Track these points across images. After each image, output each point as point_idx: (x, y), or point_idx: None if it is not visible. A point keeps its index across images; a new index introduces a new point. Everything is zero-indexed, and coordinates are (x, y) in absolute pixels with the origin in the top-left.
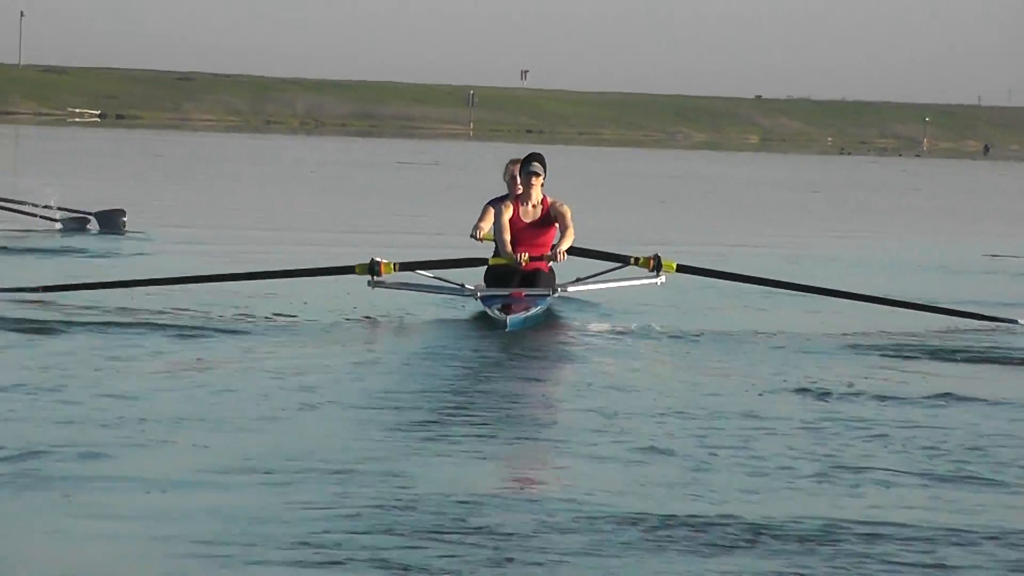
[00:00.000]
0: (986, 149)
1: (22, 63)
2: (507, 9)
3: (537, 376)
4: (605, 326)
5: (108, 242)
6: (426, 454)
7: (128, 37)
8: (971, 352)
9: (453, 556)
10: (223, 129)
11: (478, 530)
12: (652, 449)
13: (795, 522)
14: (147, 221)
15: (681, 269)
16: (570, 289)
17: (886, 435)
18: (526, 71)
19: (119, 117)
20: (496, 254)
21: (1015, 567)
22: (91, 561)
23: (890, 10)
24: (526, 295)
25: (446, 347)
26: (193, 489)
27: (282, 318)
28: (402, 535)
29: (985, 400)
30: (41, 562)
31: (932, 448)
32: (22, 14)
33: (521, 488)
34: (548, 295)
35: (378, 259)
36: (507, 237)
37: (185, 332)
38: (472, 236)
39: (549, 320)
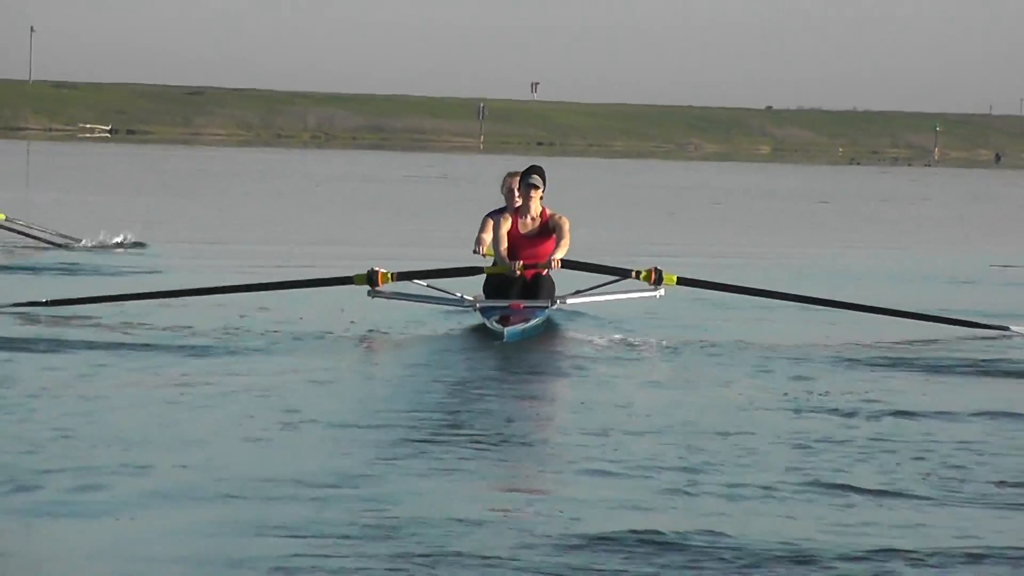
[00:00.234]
0: (997, 158)
1: (32, 79)
2: (517, 21)
3: (531, 392)
4: (603, 339)
5: (113, 257)
6: (409, 475)
7: (138, 52)
8: (970, 362)
9: None
10: (234, 143)
11: (457, 555)
12: (644, 469)
13: (790, 544)
14: (152, 236)
15: (681, 282)
16: (569, 301)
17: (888, 452)
18: (536, 83)
19: (130, 132)
20: (493, 264)
21: None
22: None
23: (901, 19)
24: (524, 307)
25: (441, 360)
26: (164, 511)
27: (278, 331)
28: (378, 560)
29: (976, 414)
30: None
31: (929, 467)
32: (32, 30)
33: (506, 511)
34: (547, 307)
35: (376, 269)
36: (504, 247)
37: (174, 347)
38: (475, 252)
39: (548, 332)
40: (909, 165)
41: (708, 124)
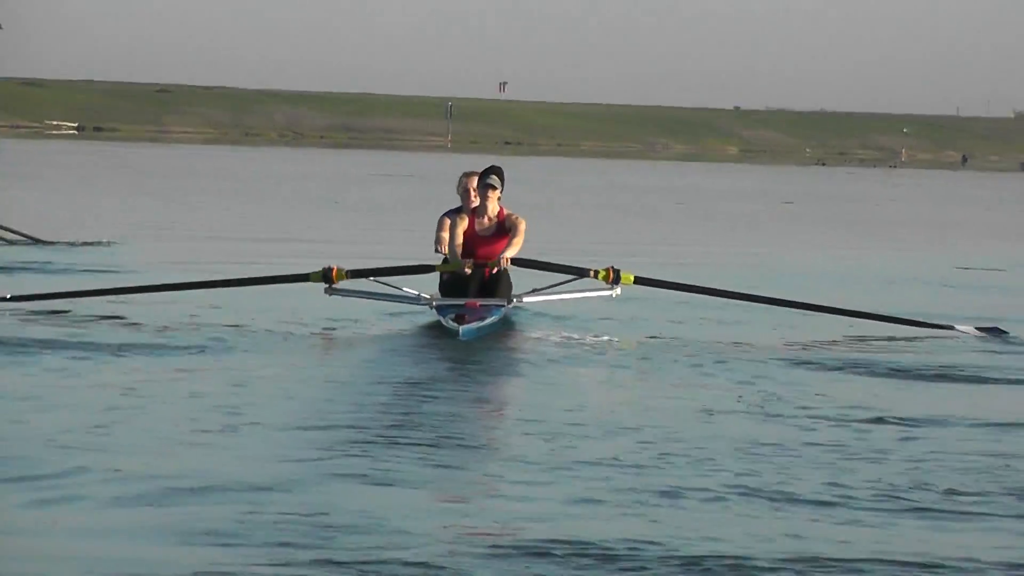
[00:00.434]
0: (964, 160)
1: (0, 76)
2: (485, 21)
3: (482, 393)
4: (559, 338)
5: (73, 255)
6: (348, 479)
7: (106, 50)
8: (924, 365)
9: None
10: (202, 142)
11: (388, 563)
12: (589, 475)
13: (739, 553)
14: (117, 233)
15: (639, 281)
16: (526, 300)
17: (838, 458)
18: (504, 83)
19: (97, 130)
20: (444, 261)
21: None
22: None
23: (870, 21)
24: (481, 305)
25: (394, 359)
26: (90, 515)
27: (229, 330)
28: (306, 567)
29: (923, 418)
30: None
31: (878, 474)
32: (0, 27)
33: (444, 518)
34: (503, 305)
35: (330, 266)
36: (458, 244)
37: (121, 345)
38: (436, 251)
39: (503, 330)
40: (875, 166)
41: (676, 125)
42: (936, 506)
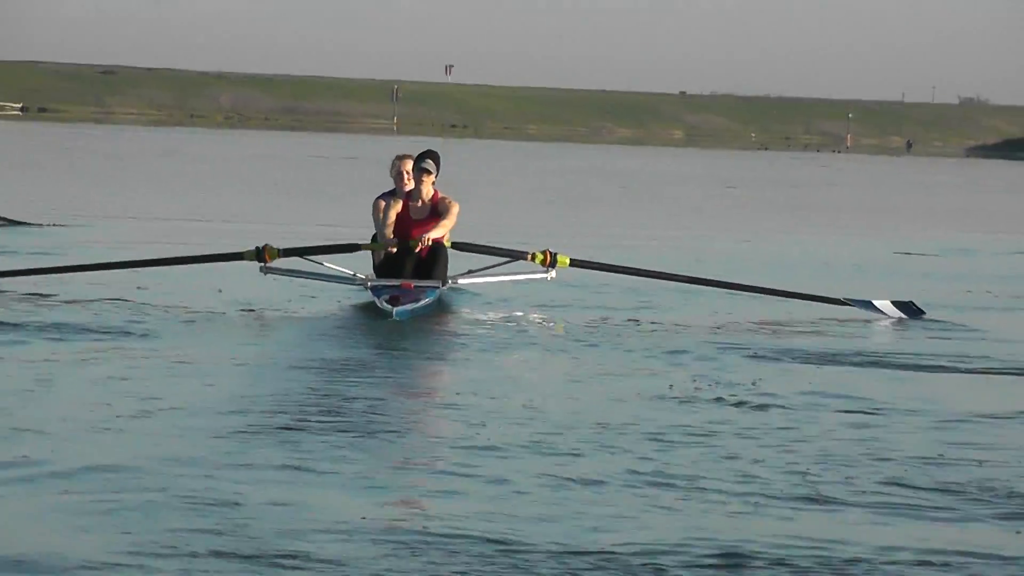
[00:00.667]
0: (908, 145)
1: None
2: (432, 3)
3: (410, 378)
4: (492, 321)
5: (5, 236)
6: (261, 468)
7: (51, 31)
8: (851, 347)
9: None
10: (146, 123)
11: (294, 558)
12: (512, 467)
13: (669, 549)
14: (53, 215)
15: (574, 263)
16: (461, 281)
17: (779, 448)
18: (451, 66)
19: (41, 111)
20: (373, 240)
21: None
22: None
23: (816, 7)
24: (416, 286)
25: (326, 341)
26: None
27: (154, 312)
28: (207, 561)
29: (859, 405)
30: None
31: (798, 462)
32: None
33: (359, 510)
34: (438, 287)
35: (263, 245)
36: (389, 224)
37: (45, 326)
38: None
39: (438, 312)
40: (818, 151)
41: (622, 109)
42: (864, 497)
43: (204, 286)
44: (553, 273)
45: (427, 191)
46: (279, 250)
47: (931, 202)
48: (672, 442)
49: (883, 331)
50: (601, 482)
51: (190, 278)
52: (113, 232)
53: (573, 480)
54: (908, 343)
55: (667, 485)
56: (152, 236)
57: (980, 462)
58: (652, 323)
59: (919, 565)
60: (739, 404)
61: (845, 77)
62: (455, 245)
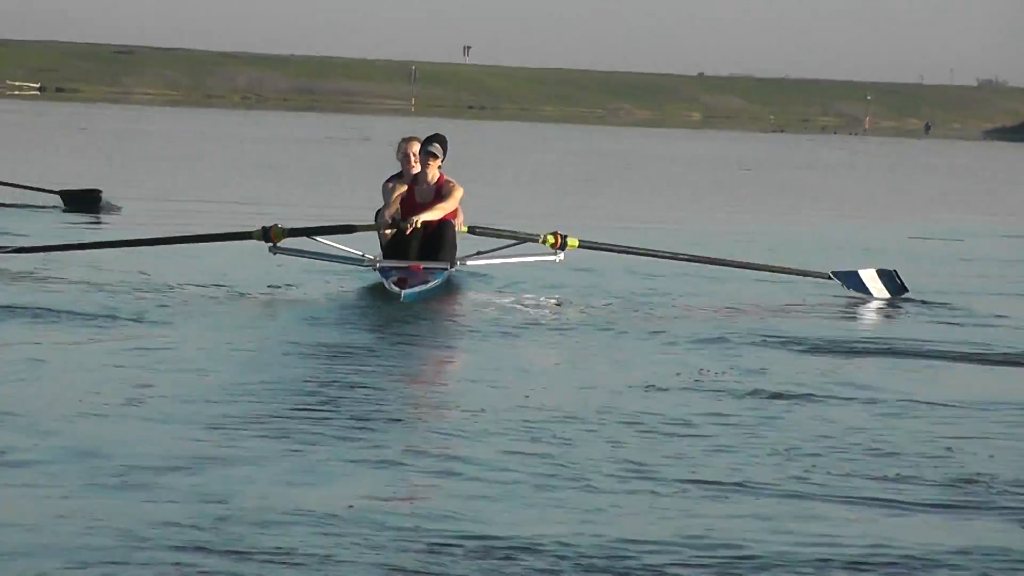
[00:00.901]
0: (927, 127)
1: None
2: None
3: (414, 365)
4: (500, 304)
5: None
6: (257, 459)
7: (68, 10)
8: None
9: None
10: (162, 103)
11: (285, 552)
12: (510, 459)
13: (649, 547)
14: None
15: (583, 245)
16: (469, 263)
17: (740, 433)
18: (468, 47)
19: (58, 90)
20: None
21: None
22: None
23: None
24: (424, 268)
25: (332, 324)
26: None
27: (158, 294)
28: (194, 554)
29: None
30: None
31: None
32: None
33: (351, 503)
34: (447, 269)
35: (270, 225)
36: (391, 206)
37: (39, 308)
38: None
39: (446, 294)
40: (835, 133)
41: (639, 90)
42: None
43: (210, 267)
44: (562, 255)
45: (432, 174)
46: (285, 230)
47: (948, 185)
48: (672, 434)
49: (892, 317)
50: (602, 475)
51: (196, 259)
52: (127, 213)
53: (571, 472)
54: (918, 330)
55: (664, 478)
56: (159, 217)
57: (981, 454)
58: (660, 307)
59: (918, 564)
60: (744, 394)
61: (864, 59)
62: (471, 230)
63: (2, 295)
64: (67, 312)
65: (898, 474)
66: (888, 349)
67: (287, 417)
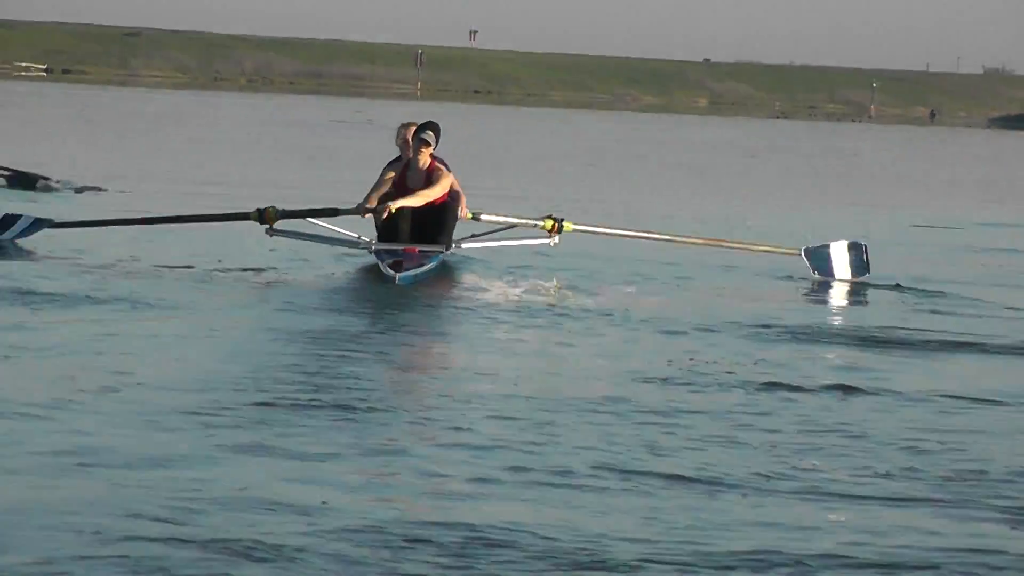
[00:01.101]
0: (932, 115)
1: None
2: None
3: (405, 352)
4: (494, 287)
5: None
6: (234, 449)
7: None
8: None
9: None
10: (170, 86)
11: (261, 546)
12: (493, 450)
13: (629, 541)
14: (71, 175)
15: (578, 229)
16: (465, 246)
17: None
18: (475, 31)
19: (65, 72)
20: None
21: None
22: None
23: None
24: (420, 251)
25: (322, 309)
26: None
27: (151, 274)
28: (165, 546)
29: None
30: None
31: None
32: None
33: (330, 495)
34: (442, 251)
35: (264, 206)
36: (378, 190)
37: (21, 290)
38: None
39: (441, 276)
40: (839, 121)
41: (646, 76)
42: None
43: (205, 249)
44: (556, 239)
45: (424, 161)
46: (279, 211)
47: (952, 174)
48: (660, 424)
49: (892, 307)
50: (588, 467)
51: (190, 241)
52: (129, 195)
53: (555, 464)
54: (915, 319)
55: (650, 472)
56: (158, 200)
57: (975, 447)
58: (653, 293)
59: (919, 563)
60: (735, 385)
61: (870, 46)
62: (475, 217)
63: (21, 272)
64: (48, 294)
65: (889, 468)
66: (884, 339)
67: (270, 405)
